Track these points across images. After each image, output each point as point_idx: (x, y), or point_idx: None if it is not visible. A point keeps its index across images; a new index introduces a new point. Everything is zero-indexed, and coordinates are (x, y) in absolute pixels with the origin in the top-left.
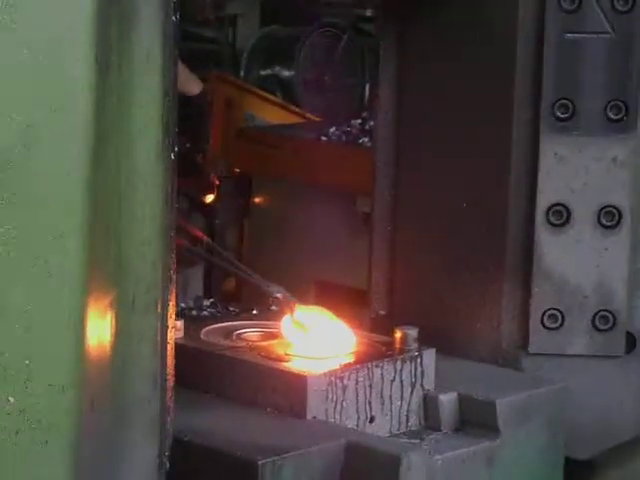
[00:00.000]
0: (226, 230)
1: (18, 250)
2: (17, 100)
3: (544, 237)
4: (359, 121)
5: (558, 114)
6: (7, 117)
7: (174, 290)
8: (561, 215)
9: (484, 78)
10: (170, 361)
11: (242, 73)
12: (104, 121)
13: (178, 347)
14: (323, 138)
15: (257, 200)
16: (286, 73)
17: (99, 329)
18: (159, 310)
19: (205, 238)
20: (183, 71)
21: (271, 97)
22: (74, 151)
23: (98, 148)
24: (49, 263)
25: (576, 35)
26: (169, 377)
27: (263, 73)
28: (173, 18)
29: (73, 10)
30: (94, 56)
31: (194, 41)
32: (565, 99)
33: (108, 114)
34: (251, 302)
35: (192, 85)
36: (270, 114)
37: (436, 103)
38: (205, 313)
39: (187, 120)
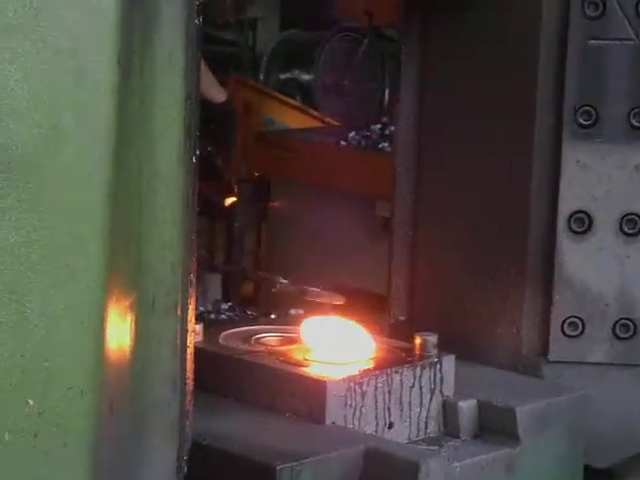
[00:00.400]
0: (244, 233)
1: (39, 252)
2: (40, 103)
3: (566, 244)
4: (379, 126)
5: (581, 121)
6: (30, 120)
7: (194, 293)
8: (583, 222)
9: (507, 85)
10: (189, 365)
11: (262, 77)
12: (126, 124)
13: (197, 351)
14: (342, 143)
15: (275, 204)
16: (306, 77)
17: (119, 332)
18: (179, 313)
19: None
20: (207, 77)
21: (290, 101)
22: (96, 154)
23: (120, 151)
24: (70, 266)
25: (600, 41)
26: (188, 381)
27: (283, 77)
28: (196, 20)
29: (96, 13)
30: (117, 59)
31: (214, 44)
32: (588, 106)
33: (130, 117)
34: (269, 306)
35: (215, 92)
36: (289, 118)
37: (458, 109)
38: (223, 317)
39: (210, 123)
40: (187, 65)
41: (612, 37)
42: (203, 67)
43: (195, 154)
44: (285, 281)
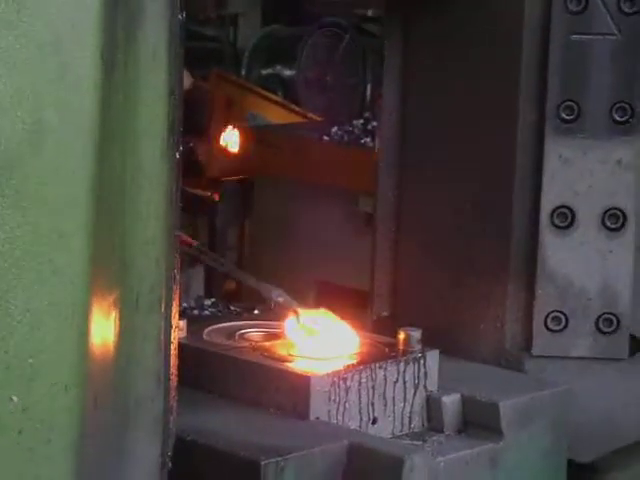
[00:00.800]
0: (227, 230)
1: (22, 249)
2: (23, 98)
3: (548, 239)
4: (361, 121)
5: (563, 116)
6: (14, 115)
7: (177, 289)
8: (566, 217)
9: (489, 79)
10: (173, 360)
11: (243, 72)
12: (110, 119)
13: (181, 347)
14: (325, 138)
15: (258, 200)
16: (287, 72)
17: (103, 328)
18: (163, 309)
19: (195, 243)
20: None
21: (273, 96)
22: (80, 149)
23: (104, 146)
24: (53, 262)
25: (582, 36)
26: (172, 376)
27: (264, 72)
28: (179, 16)
29: (79, 8)
30: (100, 54)
31: (195, 40)
32: (570, 101)
33: (114, 112)
34: (252, 302)
35: None
36: (272, 113)
37: (440, 103)
38: (207, 313)
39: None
40: (170, 61)
41: (594, 32)
42: None
43: (179, 150)
44: (281, 299)
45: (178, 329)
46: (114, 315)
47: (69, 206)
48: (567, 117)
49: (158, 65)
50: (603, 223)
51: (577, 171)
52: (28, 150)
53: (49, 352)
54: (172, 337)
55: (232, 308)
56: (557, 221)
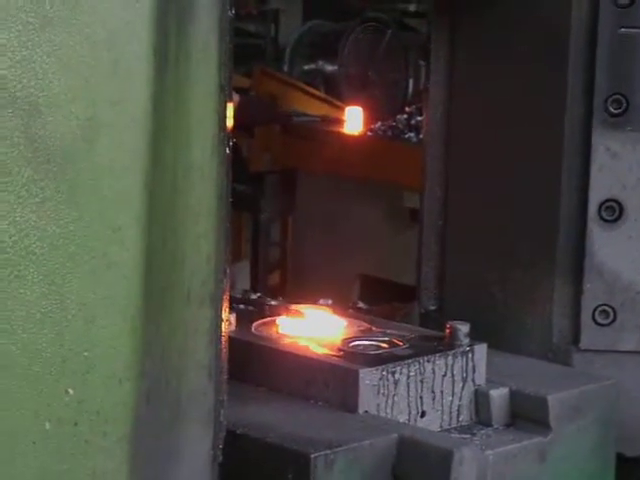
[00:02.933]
0: (271, 226)
1: (77, 243)
2: (77, 94)
3: (596, 233)
4: (405, 116)
5: (611, 109)
6: (68, 111)
7: (227, 284)
8: (614, 211)
9: (537, 74)
10: (224, 354)
11: (286, 68)
12: (162, 115)
13: (230, 340)
14: (369, 133)
15: (302, 195)
16: (329, 68)
17: (155, 322)
18: (214, 303)
19: None
20: None
21: (315, 92)
22: (132, 145)
23: (156, 142)
24: (107, 256)
25: (630, 30)
26: (223, 370)
27: (307, 68)
28: (229, 12)
29: (132, 5)
30: (153, 50)
31: (237, 36)
32: (618, 94)
33: (166, 108)
34: (296, 297)
35: None
36: (314, 109)
37: (487, 98)
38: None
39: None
40: (221, 56)
41: None
42: None
43: (228, 145)
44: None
45: (228, 323)
46: (166, 309)
47: (123, 201)
48: (615, 111)
49: (209, 60)
50: None
51: (625, 164)
52: (82, 146)
53: (104, 345)
54: (222, 331)
55: (273, 303)
56: (605, 215)
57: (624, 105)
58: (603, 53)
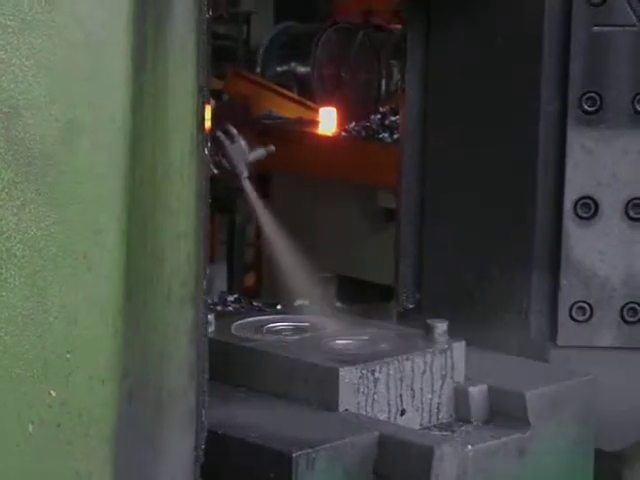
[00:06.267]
0: (246, 226)
1: (58, 246)
2: (57, 97)
3: (572, 230)
4: (378, 116)
5: (585, 107)
6: (48, 114)
7: (204, 284)
8: (589, 208)
9: (511, 72)
10: (205, 354)
11: (259, 70)
12: (141, 116)
13: (210, 341)
14: (343, 134)
15: (276, 197)
16: (302, 69)
17: (137, 322)
18: (194, 303)
19: None
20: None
21: (288, 93)
22: (112, 146)
23: (135, 143)
24: (88, 257)
25: (603, 28)
26: (204, 370)
27: (279, 70)
28: (207, 14)
29: (110, 8)
30: (130, 52)
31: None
32: (592, 92)
33: (145, 109)
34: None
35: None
36: (288, 110)
37: (462, 96)
38: (230, 308)
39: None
40: (199, 58)
41: (615, 23)
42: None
43: (206, 145)
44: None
45: (207, 323)
46: (147, 309)
47: (103, 202)
48: (589, 108)
49: (187, 62)
50: (626, 213)
51: (600, 162)
52: (62, 148)
53: (85, 347)
54: (203, 331)
55: (255, 304)
56: (581, 212)
57: (598, 103)
58: (577, 51)
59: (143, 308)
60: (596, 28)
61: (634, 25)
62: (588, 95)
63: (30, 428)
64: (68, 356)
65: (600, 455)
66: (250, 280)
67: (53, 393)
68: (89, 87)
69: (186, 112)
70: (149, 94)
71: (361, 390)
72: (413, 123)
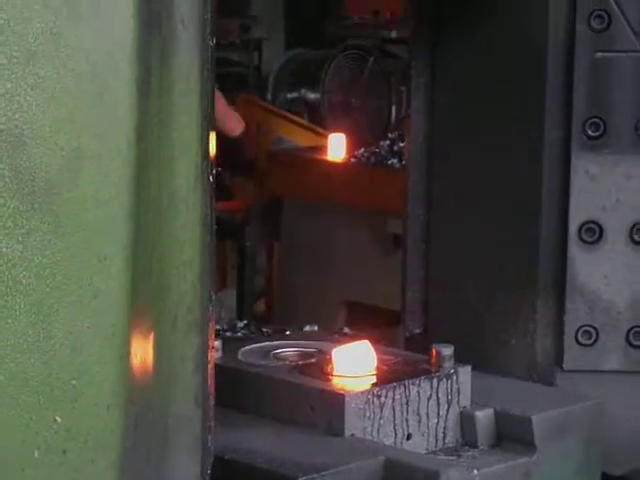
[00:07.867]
0: (257, 253)
1: (63, 273)
2: (62, 126)
3: (577, 254)
4: (387, 142)
5: (589, 132)
6: (53, 143)
7: (213, 311)
8: (593, 232)
9: (515, 99)
10: (211, 380)
11: (269, 96)
12: (146, 145)
13: (217, 367)
14: (352, 160)
15: (287, 223)
16: (312, 96)
17: (142, 349)
18: (200, 330)
19: None
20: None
21: (299, 120)
22: (117, 175)
23: (141, 172)
24: (94, 285)
25: (606, 54)
26: (210, 396)
27: (290, 96)
28: (210, 42)
29: (115, 39)
30: (135, 82)
31: (220, 65)
32: (596, 117)
33: (150, 138)
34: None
35: (235, 123)
36: (299, 137)
37: (467, 123)
38: (239, 334)
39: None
40: (203, 86)
41: (618, 49)
42: (220, 99)
43: (212, 173)
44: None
45: (214, 349)
46: (153, 336)
47: (108, 230)
48: (593, 134)
49: (192, 90)
50: (631, 237)
51: (604, 187)
52: (67, 176)
53: (91, 373)
54: (209, 357)
55: (264, 330)
56: (585, 236)
57: (602, 128)
58: (580, 77)
59: (149, 335)
60: (599, 54)
61: (637, 51)
62: (592, 120)
63: (36, 454)
64: (74, 382)
65: (607, 479)
66: (261, 306)
67: (59, 419)
68: (94, 116)
69: (191, 140)
70: (154, 123)
71: (367, 415)
72: (418, 148)
